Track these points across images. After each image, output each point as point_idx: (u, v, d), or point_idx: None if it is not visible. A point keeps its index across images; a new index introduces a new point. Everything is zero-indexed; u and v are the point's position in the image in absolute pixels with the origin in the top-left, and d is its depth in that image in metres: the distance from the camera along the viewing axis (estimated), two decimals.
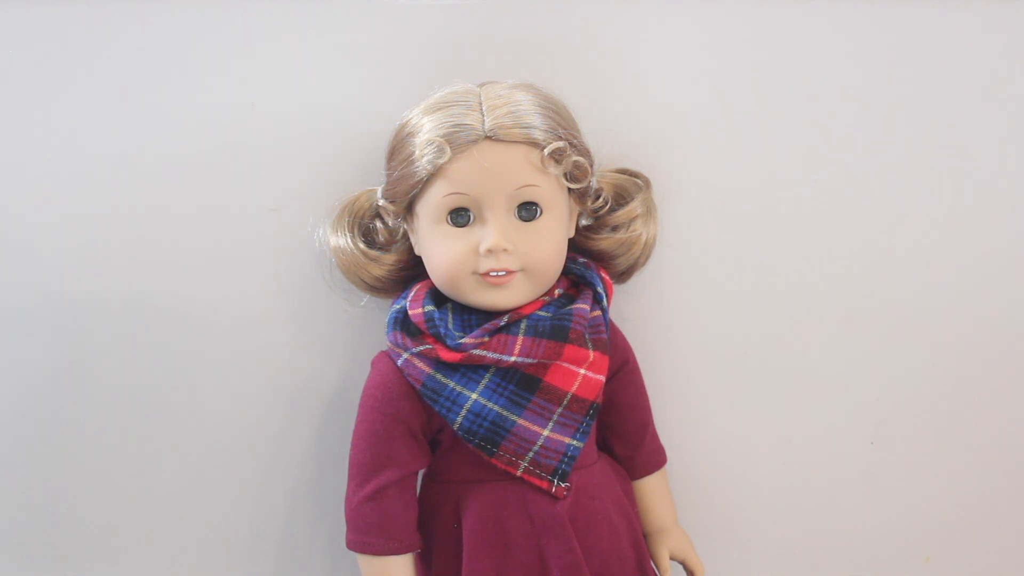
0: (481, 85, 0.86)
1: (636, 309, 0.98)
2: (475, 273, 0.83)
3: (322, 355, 0.98)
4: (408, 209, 0.86)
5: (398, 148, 0.85)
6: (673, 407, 0.99)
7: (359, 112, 0.94)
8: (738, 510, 1.02)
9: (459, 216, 0.83)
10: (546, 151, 0.82)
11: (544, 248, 0.84)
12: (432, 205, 0.83)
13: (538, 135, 0.82)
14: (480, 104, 0.83)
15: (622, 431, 0.93)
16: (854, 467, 1.02)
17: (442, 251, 0.84)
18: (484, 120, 0.82)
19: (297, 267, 0.96)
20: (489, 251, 0.82)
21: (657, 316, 0.98)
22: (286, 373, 0.98)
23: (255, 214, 0.96)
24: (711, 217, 0.97)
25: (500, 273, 0.83)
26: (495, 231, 0.82)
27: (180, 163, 0.95)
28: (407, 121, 0.85)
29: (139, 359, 0.98)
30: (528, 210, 0.83)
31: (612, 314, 0.94)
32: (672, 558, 0.93)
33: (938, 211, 0.98)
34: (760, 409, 1.01)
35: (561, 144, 0.83)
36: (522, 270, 0.83)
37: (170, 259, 0.97)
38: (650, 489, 0.95)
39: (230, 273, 0.97)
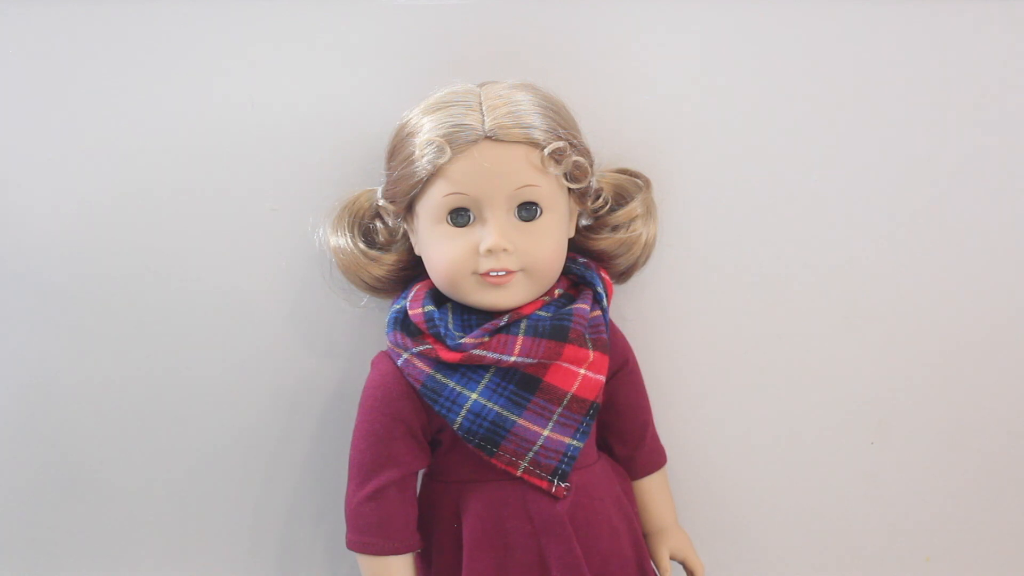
0: (481, 85, 0.86)
1: (636, 309, 0.98)
2: (475, 273, 0.83)
3: (322, 355, 0.98)
4: (408, 209, 0.86)
5: (398, 148, 0.85)
6: (673, 407, 0.99)
7: (359, 112, 0.94)
8: (738, 510, 1.02)
9: (459, 216, 0.83)
10: (546, 151, 0.82)
11: (544, 248, 0.84)
12: (432, 205, 0.83)
13: (538, 135, 0.82)
14: (480, 104, 0.83)
15: (622, 431, 0.93)
16: (854, 467, 1.02)
17: (442, 251, 0.84)
18: (484, 120, 0.82)
19: (297, 267, 0.96)
20: (489, 251, 0.82)
21: (657, 316, 0.98)
22: (286, 373, 0.98)
23: (255, 214, 0.96)
24: (711, 217, 0.97)
25: (500, 273, 0.82)
26: (495, 231, 0.82)
27: (180, 163, 0.95)
28: (407, 121, 0.85)
29: (138, 359, 0.98)
30: (528, 210, 0.83)
31: (612, 314, 0.94)
32: (672, 558, 0.93)
33: (939, 211, 0.98)
34: (760, 409, 1.00)
35: (561, 144, 0.83)
36: (522, 270, 0.83)
37: (170, 259, 0.97)
38: (650, 489, 0.95)
39: (230, 273, 0.97)
